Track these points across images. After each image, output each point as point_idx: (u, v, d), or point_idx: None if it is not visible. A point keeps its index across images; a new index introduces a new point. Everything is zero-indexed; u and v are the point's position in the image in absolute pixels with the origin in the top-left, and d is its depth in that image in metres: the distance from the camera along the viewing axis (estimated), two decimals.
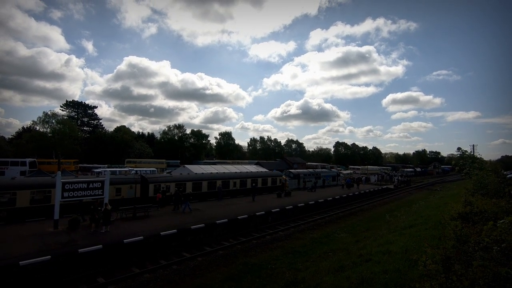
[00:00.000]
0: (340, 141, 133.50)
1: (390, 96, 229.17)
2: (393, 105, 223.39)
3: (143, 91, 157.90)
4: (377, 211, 28.40)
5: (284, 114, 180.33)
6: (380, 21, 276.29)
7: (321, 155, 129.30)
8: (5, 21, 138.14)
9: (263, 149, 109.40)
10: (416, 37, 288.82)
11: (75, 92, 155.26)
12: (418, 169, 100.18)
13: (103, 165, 55.20)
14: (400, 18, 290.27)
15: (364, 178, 52.09)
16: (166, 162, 65.16)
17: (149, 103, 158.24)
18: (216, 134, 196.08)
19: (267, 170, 44.24)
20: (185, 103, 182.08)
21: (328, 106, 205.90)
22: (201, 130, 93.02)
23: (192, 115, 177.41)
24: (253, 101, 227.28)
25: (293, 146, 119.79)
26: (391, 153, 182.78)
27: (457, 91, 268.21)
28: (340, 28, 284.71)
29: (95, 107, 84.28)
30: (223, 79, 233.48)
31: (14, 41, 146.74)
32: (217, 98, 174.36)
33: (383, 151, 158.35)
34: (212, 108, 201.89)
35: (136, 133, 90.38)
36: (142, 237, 14.93)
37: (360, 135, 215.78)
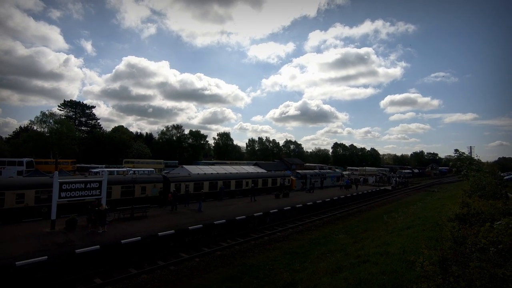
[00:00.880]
0: (339, 142, 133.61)
1: (388, 98, 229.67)
2: (391, 107, 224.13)
3: (141, 91, 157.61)
4: (375, 212, 28.47)
5: (283, 115, 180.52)
6: (379, 23, 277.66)
7: (319, 156, 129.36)
8: (4, 20, 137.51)
9: (262, 150, 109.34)
10: (414, 39, 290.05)
11: (73, 92, 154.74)
12: (416, 171, 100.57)
13: (101, 165, 54.95)
14: (399, 20, 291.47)
15: (362, 179, 52.20)
16: (164, 163, 64.96)
17: (148, 103, 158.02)
18: (214, 134, 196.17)
19: (265, 171, 44.28)
20: (183, 104, 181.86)
21: (326, 107, 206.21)
22: (199, 131, 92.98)
23: (190, 116, 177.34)
24: (252, 101, 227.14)
25: (292, 147, 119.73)
26: (389, 154, 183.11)
27: (454, 93, 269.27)
28: (339, 30, 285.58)
29: (93, 107, 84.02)
30: (222, 80, 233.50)
31: (12, 40, 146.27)
32: (215, 99, 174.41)
33: (381, 152, 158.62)
34: (210, 109, 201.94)
35: (134, 133, 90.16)
36: (139, 237, 14.88)
37: (358, 136, 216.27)
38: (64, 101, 79.30)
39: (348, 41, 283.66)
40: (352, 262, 10.09)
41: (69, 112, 78.59)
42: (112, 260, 13.53)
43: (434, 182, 71.59)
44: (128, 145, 72.24)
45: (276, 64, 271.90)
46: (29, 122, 67.38)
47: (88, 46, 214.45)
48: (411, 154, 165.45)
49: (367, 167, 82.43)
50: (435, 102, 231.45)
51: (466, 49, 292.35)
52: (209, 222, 18.59)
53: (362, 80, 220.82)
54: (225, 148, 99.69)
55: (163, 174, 27.26)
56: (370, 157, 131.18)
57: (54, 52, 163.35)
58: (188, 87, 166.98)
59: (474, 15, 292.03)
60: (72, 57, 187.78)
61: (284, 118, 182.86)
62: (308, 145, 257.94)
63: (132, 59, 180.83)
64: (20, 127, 70.66)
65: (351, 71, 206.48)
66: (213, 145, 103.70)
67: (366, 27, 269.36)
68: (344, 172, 76.13)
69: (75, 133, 66.20)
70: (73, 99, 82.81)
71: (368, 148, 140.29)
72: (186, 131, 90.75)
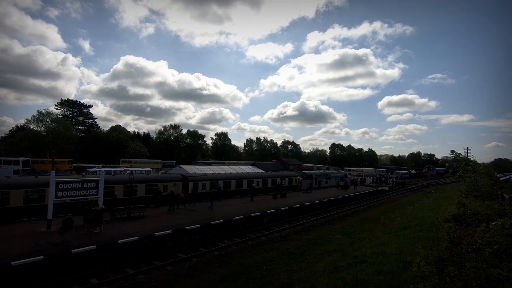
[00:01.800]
0: (336, 143, 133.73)
1: (386, 99, 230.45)
2: (389, 108, 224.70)
3: (139, 90, 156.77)
4: (372, 213, 28.56)
5: (281, 116, 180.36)
6: (377, 25, 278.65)
7: (317, 156, 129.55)
8: (1, 18, 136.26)
9: (259, 150, 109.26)
10: (412, 41, 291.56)
11: (70, 91, 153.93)
12: (413, 171, 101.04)
13: (98, 165, 54.67)
14: (397, 22, 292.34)
15: (359, 180, 52.34)
16: (162, 162, 64.75)
17: (146, 103, 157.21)
18: (212, 134, 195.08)
19: (263, 171, 44.30)
20: (181, 103, 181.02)
21: (324, 108, 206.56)
22: (197, 131, 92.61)
23: (188, 115, 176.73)
24: (250, 102, 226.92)
25: (289, 147, 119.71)
26: (386, 155, 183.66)
27: (451, 95, 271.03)
28: (337, 31, 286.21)
29: (90, 106, 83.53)
30: (220, 80, 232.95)
31: (10, 39, 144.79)
32: (214, 99, 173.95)
33: (378, 153, 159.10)
34: (208, 109, 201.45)
35: (132, 132, 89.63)
36: (136, 237, 14.82)
37: (356, 137, 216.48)
38: (61, 100, 78.83)
39: (346, 42, 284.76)
40: (349, 262, 10.11)
41: (66, 111, 78.12)
42: (109, 260, 13.45)
43: (431, 182, 71.89)
44: (125, 144, 71.92)
45: (274, 65, 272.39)
46: (25, 121, 66.98)
47: (86, 45, 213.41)
48: (408, 155, 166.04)
49: (364, 168, 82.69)
50: (432, 103, 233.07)
51: (463, 51, 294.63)
52: (207, 222, 18.56)
53: (360, 81, 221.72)
54: (223, 148, 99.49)
55: (182, 174, 28.77)
56: (368, 157, 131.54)
57: (51, 51, 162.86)
58: (186, 87, 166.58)
59: (472, 17, 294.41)
60: (70, 56, 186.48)
61: (282, 118, 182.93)
62: (306, 146, 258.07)
63: (130, 58, 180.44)
64: (17, 126, 70.06)
65: (349, 72, 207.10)
66: (211, 145, 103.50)
67: (364, 28, 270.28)
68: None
69: (72, 132, 65.78)
70: (71, 98, 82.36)
71: (366, 149, 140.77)
72: (184, 131, 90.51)
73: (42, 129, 61.91)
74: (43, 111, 63.52)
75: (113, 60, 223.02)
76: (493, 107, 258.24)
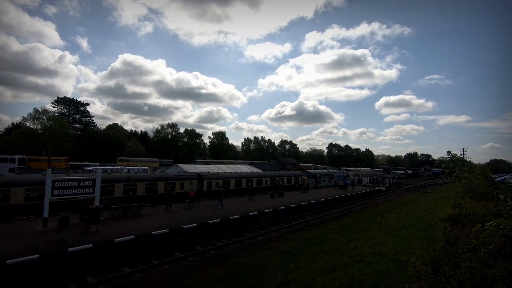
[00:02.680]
0: (334, 143, 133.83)
1: (384, 99, 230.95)
2: (386, 108, 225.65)
3: (137, 89, 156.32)
4: (369, 213, 28.68)
5: (279, 115, 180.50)
6: (375, 25, 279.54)
7: (314, 156, 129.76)
8: None
9: (257, 150, 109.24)
10: (410, 42, 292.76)
11: (68, 89, 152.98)
12: (410, 172, 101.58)
13: (95, 163, 54.40)
14: (395, 23, 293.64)
15: (356, 180, 52.52)
16: (159, 161, 64.55)
17: (143, 102, 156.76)
18: (210, 133, 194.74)
19: (260, 171, 44.31)
20: (179, 102, 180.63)
21: (322, 107, 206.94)
22: (195, 130, 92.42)
23: (186, 114, 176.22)
24: (248, 101, 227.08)
25: (287, 147, 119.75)
26: (383, 155, 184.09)
27: (448, 95, 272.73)
28: (336, 31, 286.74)
29: (87, 104, 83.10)
30: (218, 79, 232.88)
31: (6, 36, 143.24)
32: (212, 98, 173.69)
33: (375, 153, 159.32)
34: (206, 108, 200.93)
35: (129, 131, 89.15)
36: (133, 236, 14.77)
37: (353, 137, 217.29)
38: (58, 98, 78.36)
39: (344, 42, 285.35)
40: (345, 262, 10.15)
41: (63, 109, 77.65)
42: (105, 259, 13.41)
43: (428, 183, 72.29)
44: (122, 143, 71.60)
45: (272, 64, 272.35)
46: (21, 118, 66.35)
47: (84, 43, 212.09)
48: (405, 155, 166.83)
49: (361, 168, 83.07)
50: (429, 104, 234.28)
51: (461, 52, 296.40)
52: (204, 221, 18.54)
53: (358, 81, 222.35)
54: (220, 147, 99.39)
55: (197, 172, 30.06)
56: (365, 157, 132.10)
57: (49, 48, 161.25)
58: (184, 85, 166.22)
59: (469, 19, 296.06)
60: (67, 53, 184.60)
61: (280, 118, 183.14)
62: (304, 145, 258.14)
63: (128, 57, 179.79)
64: (13, 123, 69.43)
65: (347, 72, 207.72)
66: (209, 144, 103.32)
67: (363, 29, 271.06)
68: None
69: (68, 130, 65.35)
70: (68, 96, 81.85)
71: (363, 149, 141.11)
72: (182, 130, 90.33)
73: (39, 127, 61.46)
74: (40, 109, 63.09)
75: (111, 58, 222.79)
76: (489, 108, 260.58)
